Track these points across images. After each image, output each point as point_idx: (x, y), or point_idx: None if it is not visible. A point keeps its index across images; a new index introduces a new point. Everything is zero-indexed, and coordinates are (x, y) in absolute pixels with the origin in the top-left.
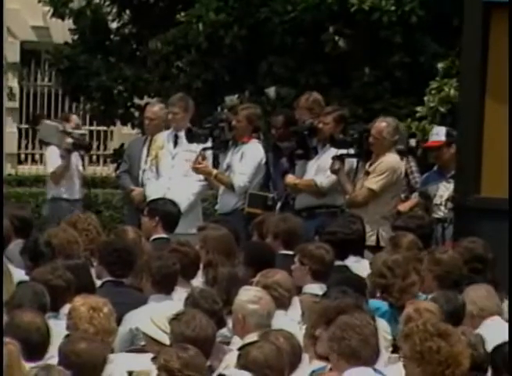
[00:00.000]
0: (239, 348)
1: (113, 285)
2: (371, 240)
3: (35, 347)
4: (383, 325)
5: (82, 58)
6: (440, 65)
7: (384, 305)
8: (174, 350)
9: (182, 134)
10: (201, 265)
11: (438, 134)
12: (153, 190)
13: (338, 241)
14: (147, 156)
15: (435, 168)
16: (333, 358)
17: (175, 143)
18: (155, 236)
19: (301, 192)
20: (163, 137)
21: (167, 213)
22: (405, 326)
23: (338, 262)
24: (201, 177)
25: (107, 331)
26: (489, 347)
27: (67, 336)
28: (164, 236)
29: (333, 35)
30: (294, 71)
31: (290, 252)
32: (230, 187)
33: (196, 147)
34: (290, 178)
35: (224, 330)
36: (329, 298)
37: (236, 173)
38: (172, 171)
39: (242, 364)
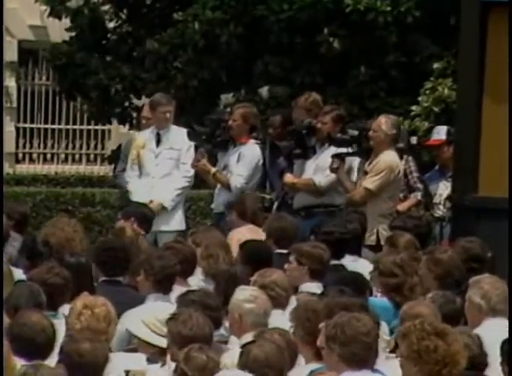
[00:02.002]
0: (241, 347)
1: (108, 284)
2: (371, 240)
3: (40, 348)
4: (382, 326)
5: (79, 55)
6: (435, 65)
7: (388, 304)
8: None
9: (163, 132)
10: (199, 263)
11: (439, 133)
12: (137, 189)
13: (334, 241)
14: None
15: (436, 167)
16: (333, 358)
17: (158, 142)
18: None
19: (300, 191)
20: (144, 136)
21: (141, 214)
22: (401, 325)
23: (334, 261)
24: (186, 174)
25: (94, 330)
26: (488, 347)
27: (68, 335)
28: (142, 232)
29: (328, 37)
30: (290, 71)
31: (284, 251)
32: (227, 187)
33: (179, 145)
34: (289, 178)
35: (221, 330)
36: (328, 297)
37: (234, 174)
38: (156, 169)
39: (243, 362)
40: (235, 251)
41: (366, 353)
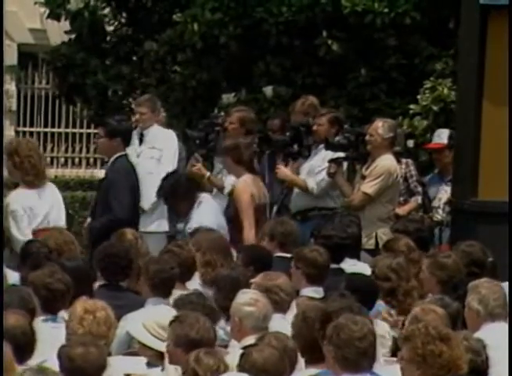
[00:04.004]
0: (243, 348)
1: (107, 289)
2: (369, 244)
3: (18, 350)
4: (384, 329)
5: (79, 56)
6: (434, 66)
7: (386, 308)
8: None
9: (146, 132)
10: (198, 268)
11: (440, 136)
12: None
13: (333, 245)
14: None
15: (436, 170)
16: (329, 360)
17: (140, 141)
18: (118, 154)
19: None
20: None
21: (126, 130)
22: (408, 327)
23: (333, 265)
24: (164, 175)
25: (96, 335)
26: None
27: (67, 340)
28: (124, 153)
29: (327, 39)
30: (290, 72)
31: (287, 255)
32: (222, 190)
33: (162, 145)
34: (282, 172)
35: (221, 334)
36: (324, 303)
37: (228, 177)
38: (138, 169)
39: (241, 365)
40: (245, 200)
41: (358, 358)
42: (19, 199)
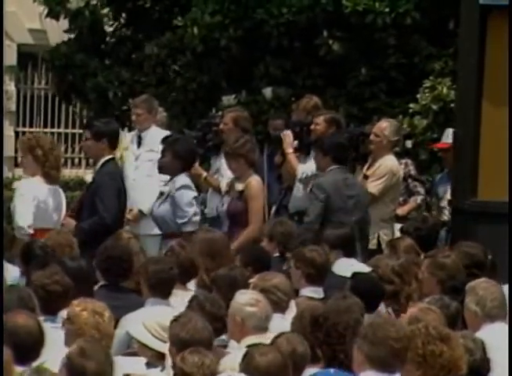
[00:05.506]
0: (246, 347)
1: (108, 289)
2: (372, 244)
3: (26, 350)
4: None
5: (79, 57)
6: (434, 65)
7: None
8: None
9: (144, 134)
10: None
11: (449, 136)
12: None
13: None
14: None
15: (446, 170)
16: (360, 357)
17: (138, 144)
18: (106, 158)
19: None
20: (128, 138)
21: (113, 132)
22: (408, 327)
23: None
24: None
25: (109, 336)
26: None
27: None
28: (112, 156)
29: (328, 39)
30: (290, 73)
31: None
32: (218, 190)
33: (159, 147)
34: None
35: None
36: (322, 305)
37: (225, 177)
38: (136, 172)
39: (244, 367)
40: (260, 202)
41: (392, 359)
42: (32, 187)
